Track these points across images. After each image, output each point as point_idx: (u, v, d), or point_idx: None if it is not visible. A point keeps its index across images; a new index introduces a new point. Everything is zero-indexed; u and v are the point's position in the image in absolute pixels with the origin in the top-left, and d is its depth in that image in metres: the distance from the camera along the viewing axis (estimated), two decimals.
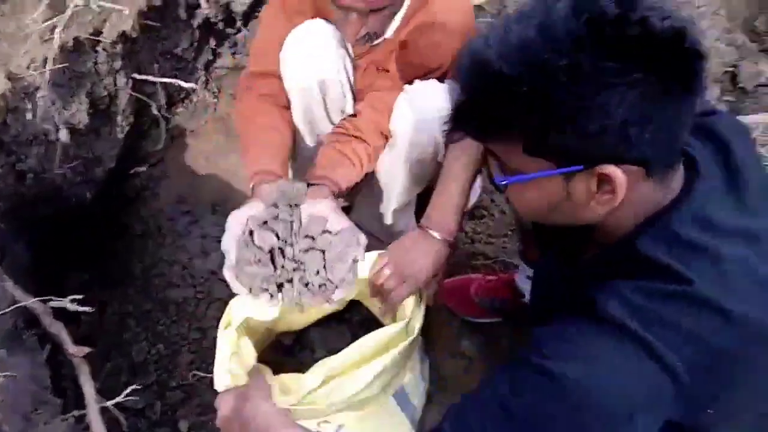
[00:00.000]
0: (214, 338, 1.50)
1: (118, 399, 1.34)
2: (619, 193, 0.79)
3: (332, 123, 1.58)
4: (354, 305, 1.54)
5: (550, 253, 1.13)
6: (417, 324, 1.34)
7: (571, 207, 0.84)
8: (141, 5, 1.58)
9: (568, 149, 0.77)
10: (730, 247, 0.81)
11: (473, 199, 1.89)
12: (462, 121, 0.85)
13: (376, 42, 1.42)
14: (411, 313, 1.33)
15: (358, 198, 1.80)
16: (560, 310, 0.89)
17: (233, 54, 2.19)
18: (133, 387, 1.38)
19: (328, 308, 1.49)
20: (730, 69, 2.28)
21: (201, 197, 1.97)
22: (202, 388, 1.69)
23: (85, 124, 1.57)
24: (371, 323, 1.50)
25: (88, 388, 1.38)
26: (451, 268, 1.86)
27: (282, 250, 1.21)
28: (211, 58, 2.11)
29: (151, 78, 1.70)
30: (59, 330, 1.40)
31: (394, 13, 1.38)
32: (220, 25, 2.01)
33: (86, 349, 1.39)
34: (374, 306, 1.52)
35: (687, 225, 0.81)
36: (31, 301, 1.33)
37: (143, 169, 1.97)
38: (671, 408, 0.80)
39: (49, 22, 1.35)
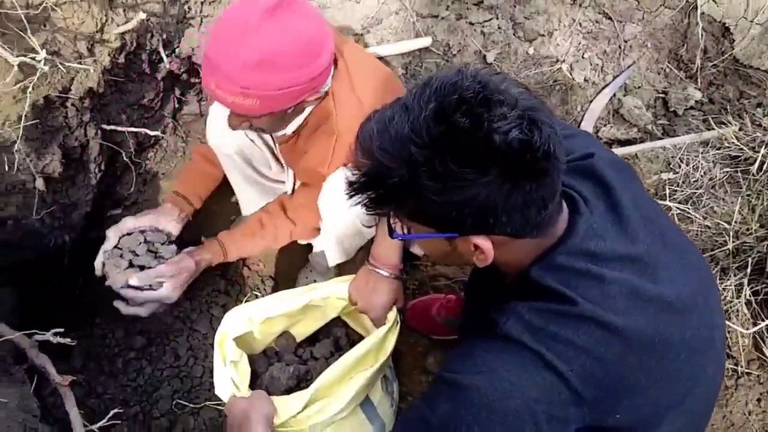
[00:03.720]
0: (199, 367, 1.60)
1: (102, 423, 1.41)
2: (489, 256, 0.90)
3: (265, 176, 1.74)
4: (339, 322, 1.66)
5: (471, 282, 1.26)
6: (390, 345, 1.44)
7: (461, 257, 0.95)
8: (106, 63, 1.68)
9: (443, 222, 0.88)
10: (611, 271, 0.90)
11: None
12: (356, 191, 0.93)
13: (279, 134, 1.52)
14: (384, 335, 1.43)
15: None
16: (473, 332, 0.99)
17: (199, 101, 2.30)
18: (116, 411, 1.45)
19: (314, 326, 1.61)
20: (661, 95, 2.42)
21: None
22: (185, 417, 1.76)
23: (59, 173, 1.66)
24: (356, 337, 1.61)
25: (74, 415, 1.44)
26: (416, 287, 1.96)
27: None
28: (177, 106, 2.22)
29: (119, 128, 1.80)
30: (44, 362, 1.48)
31: (284, 118, 1.42)
32: (185, 76, 2.12)
33: (70, 378, 1.46)
34: (356, 324, 1.63)
35: (572, 257, 0.91)
36: (17, 335, 1.41)
37: (118, 211, 2.06)
38: (576, 415, 0.87)
39: (20, 84, 1.44)
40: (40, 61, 1.42)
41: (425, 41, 2.45)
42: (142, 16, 1.68)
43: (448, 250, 0.95)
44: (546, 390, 0.86)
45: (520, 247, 0.92)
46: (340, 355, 1.37)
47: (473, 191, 0.82)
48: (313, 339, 1.66)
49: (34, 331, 1.40)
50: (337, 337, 1.64)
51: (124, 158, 1.85)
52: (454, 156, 0.80)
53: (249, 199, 1.89)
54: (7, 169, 1.51)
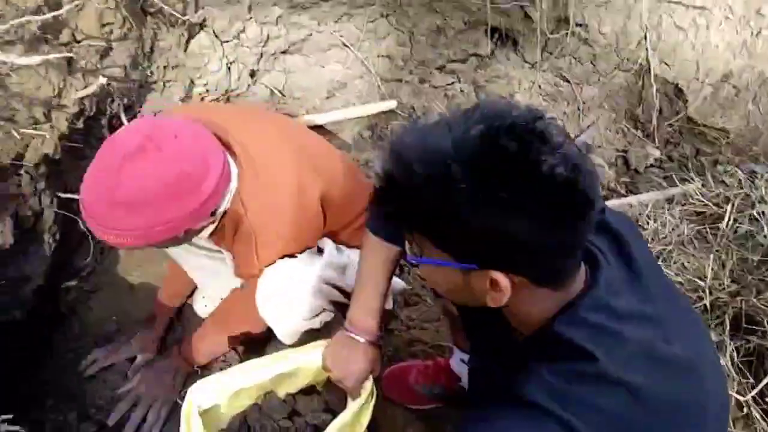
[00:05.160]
0: None
1: None
2: (505, 295, 0.82)
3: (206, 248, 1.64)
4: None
5: (480, 341, 1.14)
6: (365, 419, 1.33)
7: (471, 293, 0.86)
8: (63, 129, 1.59)
9: (465, 252, 0.80)
10: (631, 329, 0.84)
11: (396, 289, 1.91)
12: (383, 201, 0.86)
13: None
14: (359, 408, 1.32)
15: None
16: (490, 395, 0.90)
17: None
18: None
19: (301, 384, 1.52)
20: (621, 154, 2.44)
21: (131, 311, 1.91)
22: None
23: (10, 245, 1.53)
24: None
25: None
26: (391, 354, 1.86)
27: None
28: None
29: (76, 196, 1.68)
30: None
31: (184, 239, 1.33)
32: None
33: None
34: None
35: (595, 312, 0.84)
36: None
37: (74, 283, 1.91)
38: None
39: None
40: None
41: (390, 104, 2.43)
42: (103, 80, 1.60)
43: (459, 283, 0.85)
44: None
45: (538, 297, 0.84)
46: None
47: (508, 220, 0.74)
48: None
49: None
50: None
51: (81, 227, 1.72)
52: (496, 179, 0.74)
53: (197, 267, 1.78)
54: None
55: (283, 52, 2.33)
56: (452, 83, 2.51)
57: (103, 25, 1.67)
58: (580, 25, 2.27)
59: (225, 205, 1.30)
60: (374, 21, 2.40)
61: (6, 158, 1.45)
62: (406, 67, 2.50)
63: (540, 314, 0.87)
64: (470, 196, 0.75)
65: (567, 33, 2.29)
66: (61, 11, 1.50)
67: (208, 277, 1.72)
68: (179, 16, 1.86)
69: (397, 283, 1.87)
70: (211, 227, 1.36)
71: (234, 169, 1.32)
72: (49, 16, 1.47)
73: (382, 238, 1.30)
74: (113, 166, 1.15)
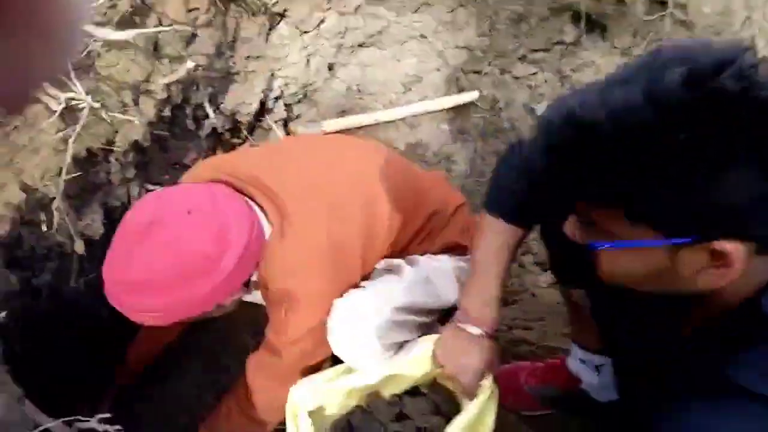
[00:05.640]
0: None
1: None
2: (737, 269, 0.67)
3: None
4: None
5: (631, 337, 0.98)
6: (490, 420, 1.20)
7: (672, 277, 0.72)
8: (151, 116, 1.53)
9: (679, 221, 0.66)
10: None
11: None
12: (553, 183, 0.75)
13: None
14: (481, 407, 1.19)
15: None
16: (677, 394, 0.76)
17: None
18: None
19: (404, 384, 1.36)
20: None
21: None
22: None
23: (100, 235, 1.47)
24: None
25: None
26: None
27: None
28: None
29: (159, 188, 1.62)
30: None
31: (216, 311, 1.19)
32: (227, 135, 1.97)
33: None
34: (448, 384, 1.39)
35: None
36: (56, 423, 1.16)
37: None
38: None
39: (61, 133, 1.28)
40: (83, 108, 1.26)
41: (472, 95, 2.31)
42: (190, 65, 1.54)
43: (661, 266, 0.71)
44: None
45: (754, 270, 0.70)
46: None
47: (738, 170, 0.61)
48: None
49: (75, 417, 1.16)
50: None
51: None
52: (720, 126, 0.61)
53: None
54: (44, 229, 1.32)
55: (360, 45, 2.26)
56: (535, 73, 2.38)
57: (189, 11, 1.61)
58: (679, 6, 2.11)
59: (252, 277, 1.18)
60: (453, 11, 2.31)
61: (96, 143, 1.39)
62: (485, 58, 2.39)
63: (745, 292, 0.72)
64: (690, 152, 0.62)
65: (663, 15, 2.13)
66: None
67: None
68: (261, 4, 1.80)
69: None
70: (255, 292, 1.24)
71: (267, 229, 1.18)
72: None
73: (506, 219, 1.17)
74: (124, 248, 1.07)
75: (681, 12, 2.13)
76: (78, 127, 1.27)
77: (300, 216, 1.16)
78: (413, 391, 1.40)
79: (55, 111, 1.23)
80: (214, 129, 1.89)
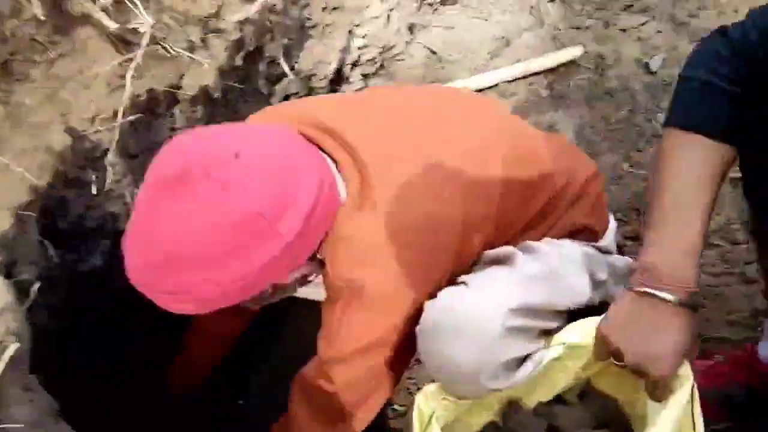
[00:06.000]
0: None
1: None
2: None
3: None
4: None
5: None
6: (700, 426, 0.84)
7: None
8: (221, 60, 1.23)
9: None
10: None
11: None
12: None
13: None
14: (686, 407, 0.83)
15: None
16: None
17: None
18: None
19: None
20: None
21: None
22: None
23: None
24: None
25: None
26: None
27: None
28: None
29: None
30: None
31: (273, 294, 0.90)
32: None
33: None
34: (605, 386, 1.01)
35: None
36: None
37: None
38: None
39: (117, 63, 0.98)
40: (144, 33, 0.96)
41: (574, 51, 1.98)
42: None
43: None
44: None
45: None
46: None
47: None
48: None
49: None
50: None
51: None
52: None
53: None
54: (94, 192, 1.01)
55: (443, 2, 1.96)
56: (644, 23, 2.04)
57: None
58: None
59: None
60: None
61: (159, 84, 1.09)
62: (584, 12, 2.07)
63: None
64: None
65: None
66: None
67: None
68: None
69: (618, 260, 1.23)
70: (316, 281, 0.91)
71: (342, 193, 0.86)
72: None
73: (711, 135, 0.83)
74: (150, 206, 0.77)
75: None
76: (138, 56, 0.97)
77: (386, 187, 0.84)
78: (558, 398, 1.02)
79: (110, 35, 0.93)
80: (286, 96, 1.59)
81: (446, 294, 0.87)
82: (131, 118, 1.00)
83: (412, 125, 0.94)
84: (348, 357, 0.87)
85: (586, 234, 1.04)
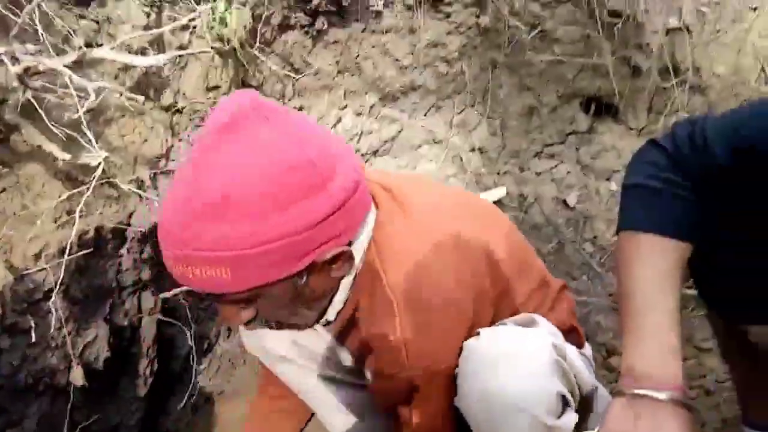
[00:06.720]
0: None
1: None
2: None
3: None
4: None
5: None
6: None
7: None
8: None
9: None
10: None
11: None
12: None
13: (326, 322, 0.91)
14: None
15: None
16: None
17: None
18: None
19: None
20: None
21: None
22: None
23: (105, 360, 1.02)
24: None
25: None
26: None
27: None
28: None
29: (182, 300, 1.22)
30: None
31: (298, 298, 0.82)
32: None
33: None
34: None
35: None
36: None
37: None
38: None
39: (66, 198, 0.91)
40: (99, 164, 0.92)
41: (500, 192, 2.10)
42: None
43: None
44: None
45: None
46: None
47: None
48: None
49: None
50: None
51: (189, 341, 1.23)
52: None
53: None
54: (32, 339, 0.87)
55: (374, 153, 2.05)
56: (556, 166, 2.22)
57: (209, 89, 1.36)
58: (691, 70, 2.06)
59: (362, 248, 0.83)
60: (462, 111, 2.19)
61: (109, 223, 1.01)
62: (499, 159, 2.23)
63: None
64: None
65: (674, 83, 2.08)
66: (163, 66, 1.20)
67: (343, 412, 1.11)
68: (279, 96, 1.59)
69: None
70: (342, 296, 0.86)
71: (373, 210, 0.85)
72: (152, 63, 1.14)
73: (668, 233, 0.87)
74: (203, 151, 0.72)
75: (695, 77, 2.08)
76: (90, 189, 0.91)
77: (425, 213, 0.87)
78: None
79: (61, 159, 0.88)
80: None
81: (488, 331, 0.85)
82: (79, 253, 0.90)
83: (440, 197, 0.95)
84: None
85: (574, 336, 1.02)
